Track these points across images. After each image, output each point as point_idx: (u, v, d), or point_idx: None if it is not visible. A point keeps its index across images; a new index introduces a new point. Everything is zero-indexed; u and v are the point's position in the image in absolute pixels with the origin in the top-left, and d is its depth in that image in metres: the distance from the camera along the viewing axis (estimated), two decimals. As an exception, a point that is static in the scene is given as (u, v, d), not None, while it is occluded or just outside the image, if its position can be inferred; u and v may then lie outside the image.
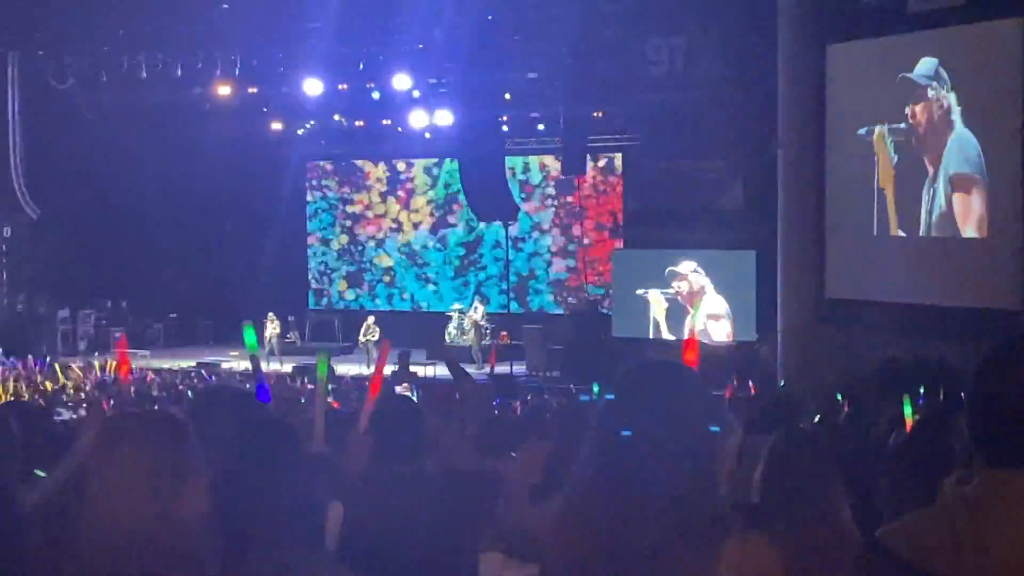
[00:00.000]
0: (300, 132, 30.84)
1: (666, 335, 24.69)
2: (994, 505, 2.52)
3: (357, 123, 30.34)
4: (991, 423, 2.58)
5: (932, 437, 6.13)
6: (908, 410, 7.69)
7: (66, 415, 12.25)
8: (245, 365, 23.24)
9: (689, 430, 2.91)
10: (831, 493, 4.23)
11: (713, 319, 24.69)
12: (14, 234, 28.98)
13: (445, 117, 27.15)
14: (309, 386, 20.21)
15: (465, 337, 28.08)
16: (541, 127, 28.58)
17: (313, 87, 26.85)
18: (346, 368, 24.52)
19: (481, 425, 6.37)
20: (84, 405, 14.41)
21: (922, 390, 10.50)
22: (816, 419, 9.57)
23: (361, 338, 27.78)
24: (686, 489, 2.85)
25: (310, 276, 32.96)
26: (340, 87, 27.83)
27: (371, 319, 28.31)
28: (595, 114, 27.31)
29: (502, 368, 25.48)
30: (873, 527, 2.88)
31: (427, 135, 29.11)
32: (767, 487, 4.24)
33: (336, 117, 29.97)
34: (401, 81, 26.33)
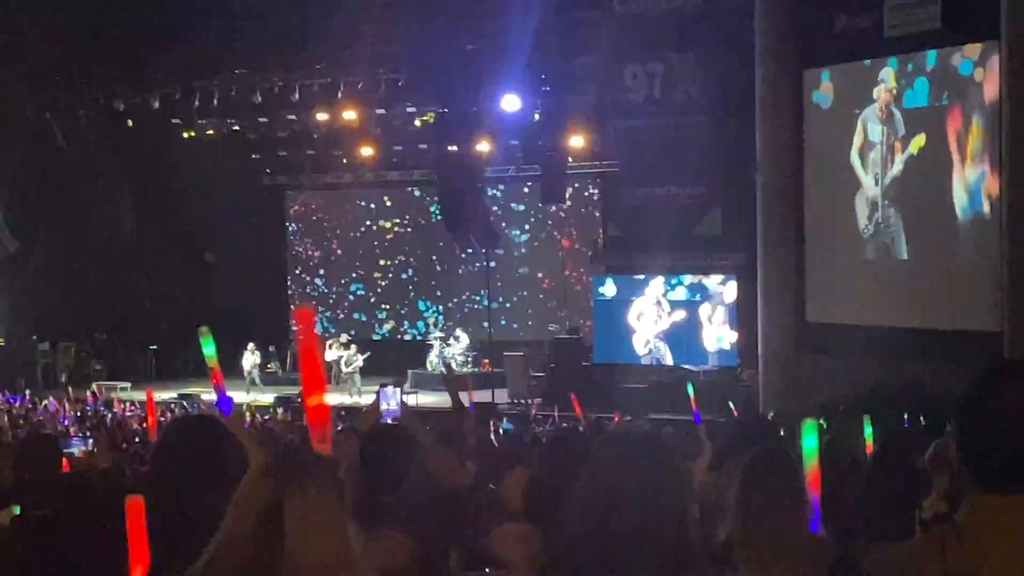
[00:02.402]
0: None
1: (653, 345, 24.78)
2: (983, 531, 2.53)
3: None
4: (980, 449, 2.59)
5: (898, 458, 6.15)
6: (869, 431, 7.74)
7: (75, 448, 12.26)
8: (230, 396, 23.12)
9: (664, 495, 2.94)
10: (804, 510, 4.24)
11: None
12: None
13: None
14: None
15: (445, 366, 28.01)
16: (520, 155, 28.62)
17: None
18: (327, 398, 24.37)
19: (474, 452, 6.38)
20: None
21: (906, 414, 10.56)
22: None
23: (345, 369, 27.54)
24: (659, 530, 2.86)
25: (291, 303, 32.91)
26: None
27: (353, 347, 28.19)
28: (573, 142, 27.37)
29: (483, 396, 25.40)
30: (847, 543, 2.90)
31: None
32: (741, 506, 4.24)
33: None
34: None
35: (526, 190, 29.96)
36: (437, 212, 28.09)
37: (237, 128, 29.43)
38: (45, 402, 22.19)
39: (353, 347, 28.04)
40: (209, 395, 25.61)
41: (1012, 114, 17.35)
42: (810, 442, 4.26)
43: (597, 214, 29.23)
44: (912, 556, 2.63)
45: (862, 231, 20.77)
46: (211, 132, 29.36)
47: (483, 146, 26.93)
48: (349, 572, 2.87)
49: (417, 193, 31.45)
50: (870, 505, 5.79)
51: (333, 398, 24.25)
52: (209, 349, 4.29)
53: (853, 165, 20.82)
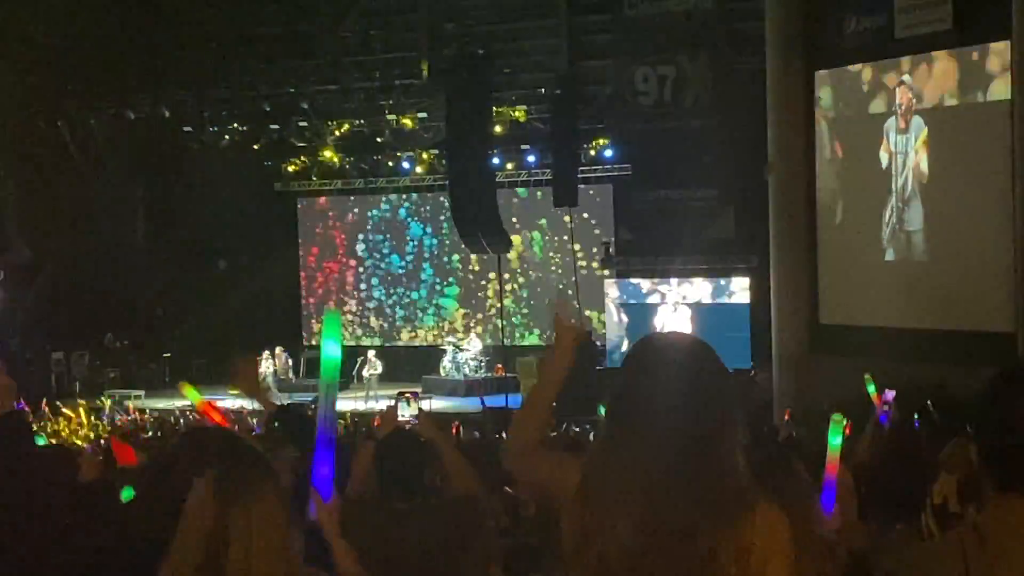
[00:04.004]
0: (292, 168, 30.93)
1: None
2: (1004, 532, 2.52)
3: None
4: (1000, 450, 2.59)
5: (902, 456, 6.15)
6: (871, 388, 7.77)
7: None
8: (241, 403, 23.18)
9: (707, 403, 2.87)
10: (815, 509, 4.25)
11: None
12: (7, 276, 28.94)
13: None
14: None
15: (460, 371, 28.02)
16: (531, 159, 28.65)
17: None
18: (343, 405, 24.43)
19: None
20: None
21: (916, 416, 10.53)
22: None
23: (365, 373, 27.60)
24: (703, 462, 2.82)
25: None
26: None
27: (371, 353, 28.21)
28: (585, 145, 27.41)
29: (497, 401, 25.40)
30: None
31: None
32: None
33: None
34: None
35: (539, 194, 29.93)
36: (449, 217, 28.06)
37: (248, 135, 29.48)
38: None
39: (371, 352, 28.12)
40: (222, 402, 25.66)
41: (1025, 114, 17.34)
42: (835, 439, 4.27)
43: (609, 217, 29.19)
44: (932, 558, 2.62)
45: (882, 233, 20.71)
46: (222, 139, 29.42)
47: (495, 150, 26.97)
48: None
49: (429, 197, 31.44)
50: (876, 488, 5.80)
51: (347, 403, 24.38)
52: (193, 395, 4.18)
53: (869, 166, 20.78)
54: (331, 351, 3.13)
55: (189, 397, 4.33)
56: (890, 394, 8.40)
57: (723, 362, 2.97)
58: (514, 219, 30.07)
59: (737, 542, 2.74)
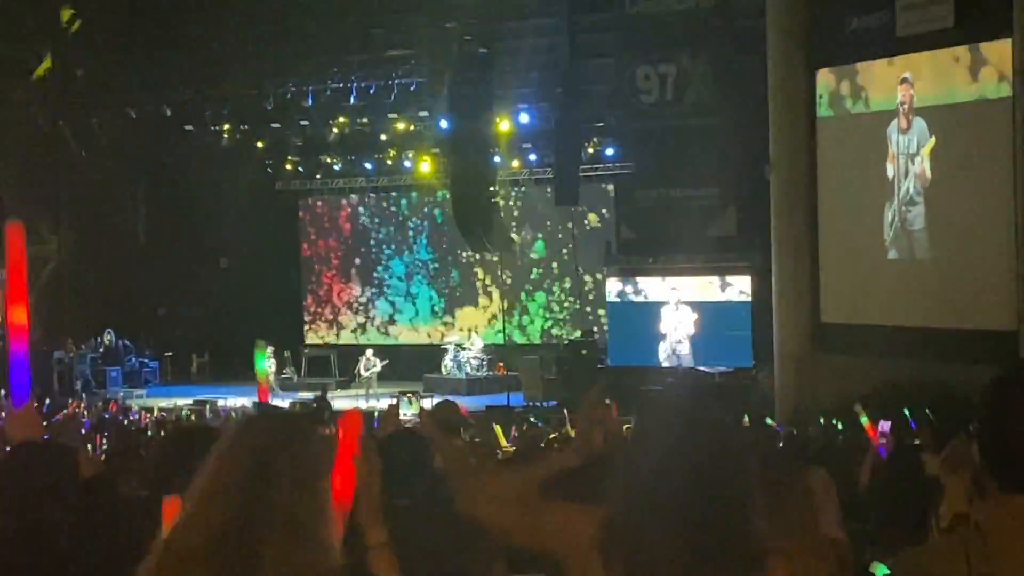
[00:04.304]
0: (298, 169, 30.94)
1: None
2: (1007, 532, 2.51)
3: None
4: (1002, 450, 2.58)
5: (907, 466, 6.14)
6: (864, 420, 7.74)
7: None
8: (242, 402, 23.20)
9: (717, 454, 2.81)
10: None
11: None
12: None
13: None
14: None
15: (461, 370, 28.02)
16: (532, 157, 28.64)
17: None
18: (343, 404, 24.42)
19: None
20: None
21: (907, 412, 10.53)
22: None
23: (364, 372, 27.62)
24: (718, 516, 2.76)
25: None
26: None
27: (370, 352, 28.23)
28: (586, 144, 27.39)
29: (498, 400, 25.42)
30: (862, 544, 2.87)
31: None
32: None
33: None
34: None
35: (539, 192, 29.91)
36: (450, 215, 28.06)
37: (249, 134, 29.49)
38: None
39: (369, 351, 28.15)
40: (224, 401, 25.68)
41: (1026, 112, 17.33)
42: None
43: (611, 216, 29.18)
44: (936, 559, 2.61)
45: (884, 231, 20.71)
46: (224, 138, 29.42)
47: (496, 149, 26.98)
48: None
49: (430, 197, 31.43)
50: (881, 512, 5.79)
51: (347, 401, 24.40)
52: (261, 364, 4.19)
53: (871, 165, 20.78)
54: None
55: (258, 361, 4.30)
56: (885, 425, 8.30)
57: (726, 422, 2.95)
58: (515, 217, 30.08)
59: None
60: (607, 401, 3.24)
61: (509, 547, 4.81)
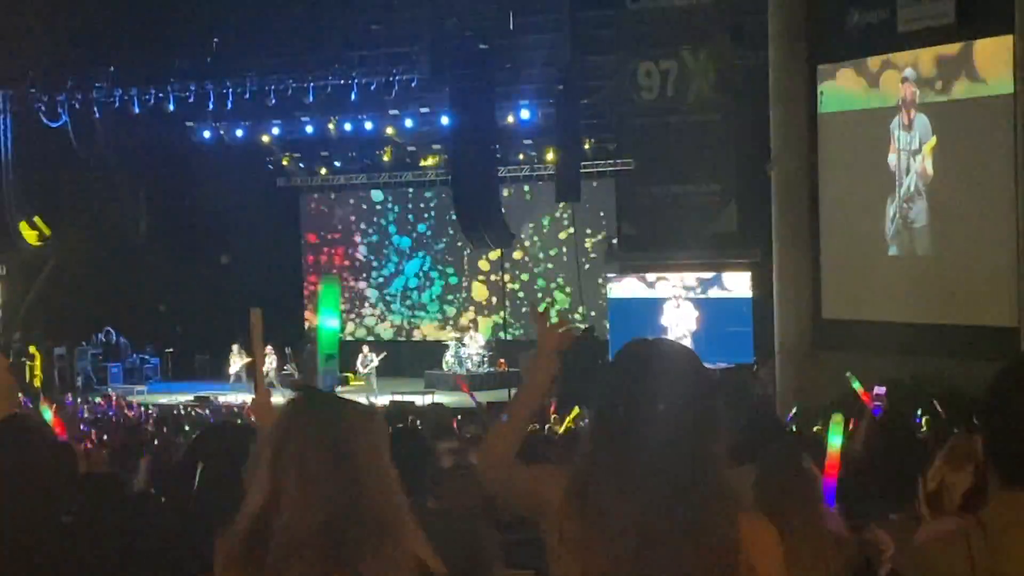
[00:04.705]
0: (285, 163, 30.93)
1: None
2: (1010, 527, 2.51)
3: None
4: (1006, 445, 2.58)
5: (894, 444, 6.13)
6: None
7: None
8: (243, 399, 23.18)
9: (687, 405, 2.90)
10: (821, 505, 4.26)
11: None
12: (8, 272, 28.97)
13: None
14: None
15: (462, 366, 28.02)
16: (533, 154, 28.65)
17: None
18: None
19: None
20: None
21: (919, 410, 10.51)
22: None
23: (362, 369, 27.59)
24: (689, 466, 2.85)
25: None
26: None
27: (366, 348, 28.21)
28: (588, 140, 27.40)
29: (500, 396, 25.37)
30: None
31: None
32: (757, 506, 4.25)
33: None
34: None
35: (541, 188, 29.92)
36: (452, 212, 28.06)
37: (251, 130, 29.49)
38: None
39: (365, 347, 28.12)
40: (225, 397, 25.68)
41: (1027, 108, 17.31)
42: (835, 439, 4.28)
43: (612, 212, 29.19)
44: (939, 554, 2.61)
45: (885, 228, 20.68)
46: (225, 134, 29.43)
47: (497, 145, 26.99)
48: None
49: (431, 194, 31.43)
50: (871, 479, 5.79)
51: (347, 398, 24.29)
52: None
53: (872, 162, 20.75)
54: (329, 323, 3.20)
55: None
56: (881, 389, 8.35)
57: (707, 370, 3.02)
58: (516, 214, 30.07)
59: (724, 558, 2.75)
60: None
61: (507, 544, 4.81)
